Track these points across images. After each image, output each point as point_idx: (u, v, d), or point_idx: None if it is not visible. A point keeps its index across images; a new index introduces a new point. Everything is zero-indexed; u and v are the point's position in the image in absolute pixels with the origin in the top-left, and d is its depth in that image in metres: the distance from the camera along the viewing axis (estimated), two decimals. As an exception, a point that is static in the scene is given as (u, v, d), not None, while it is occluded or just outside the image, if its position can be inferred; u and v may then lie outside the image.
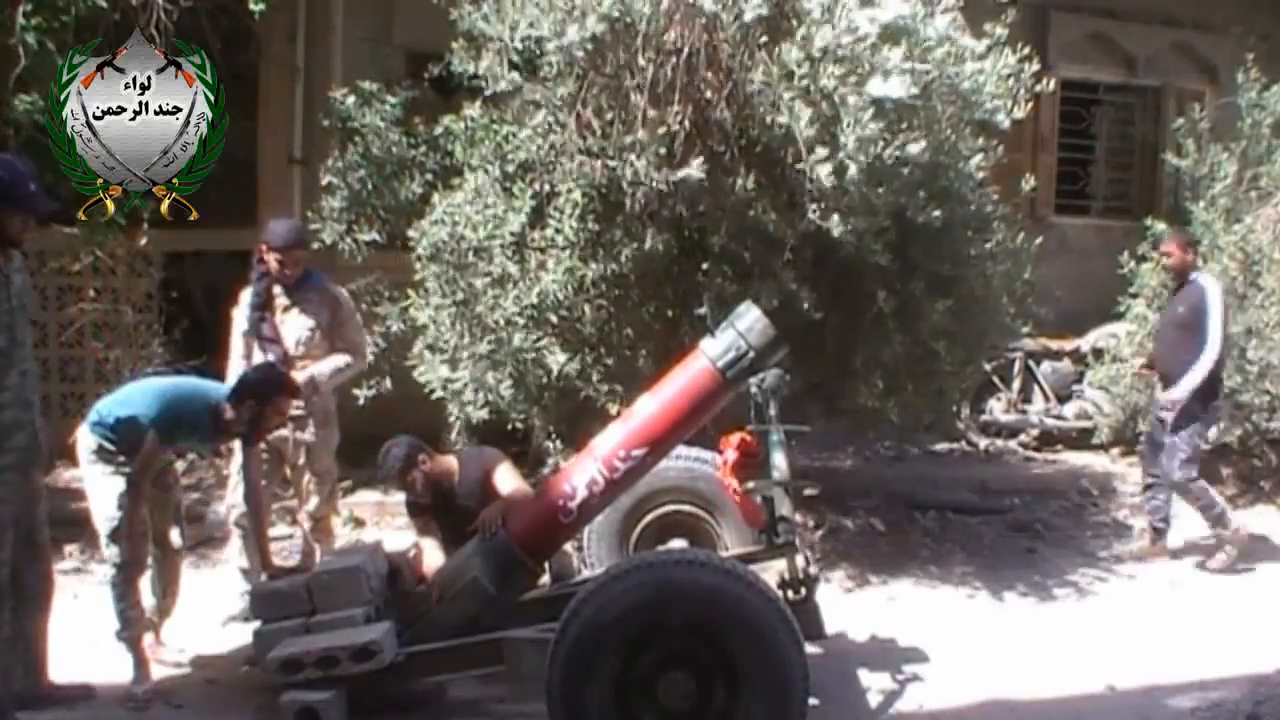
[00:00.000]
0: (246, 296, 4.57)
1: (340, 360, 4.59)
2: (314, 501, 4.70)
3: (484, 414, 4.75)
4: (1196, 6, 8.76)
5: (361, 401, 4.90)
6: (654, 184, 4.32)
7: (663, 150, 4.30)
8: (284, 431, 4.48)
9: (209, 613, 4.53)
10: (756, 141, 4.51)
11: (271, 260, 4.48)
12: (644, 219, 4.52)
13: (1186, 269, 5.53)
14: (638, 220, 4.53)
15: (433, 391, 4.92)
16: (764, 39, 4.42)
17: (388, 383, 5.27)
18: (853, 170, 4.24)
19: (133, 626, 3.90)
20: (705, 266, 4.68)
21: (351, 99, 5.02)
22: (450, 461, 4.24)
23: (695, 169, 4.27)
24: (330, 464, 4.75)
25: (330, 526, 4.87)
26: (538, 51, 4.56)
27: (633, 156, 4.29)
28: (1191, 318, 5.38)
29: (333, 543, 4.88)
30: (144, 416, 3.85)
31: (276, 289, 4.55)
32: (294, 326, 4.55)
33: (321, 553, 4.69)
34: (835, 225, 4.33)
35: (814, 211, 4.35)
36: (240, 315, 4.59)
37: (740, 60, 4.40)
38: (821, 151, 4.21)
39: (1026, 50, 4.81)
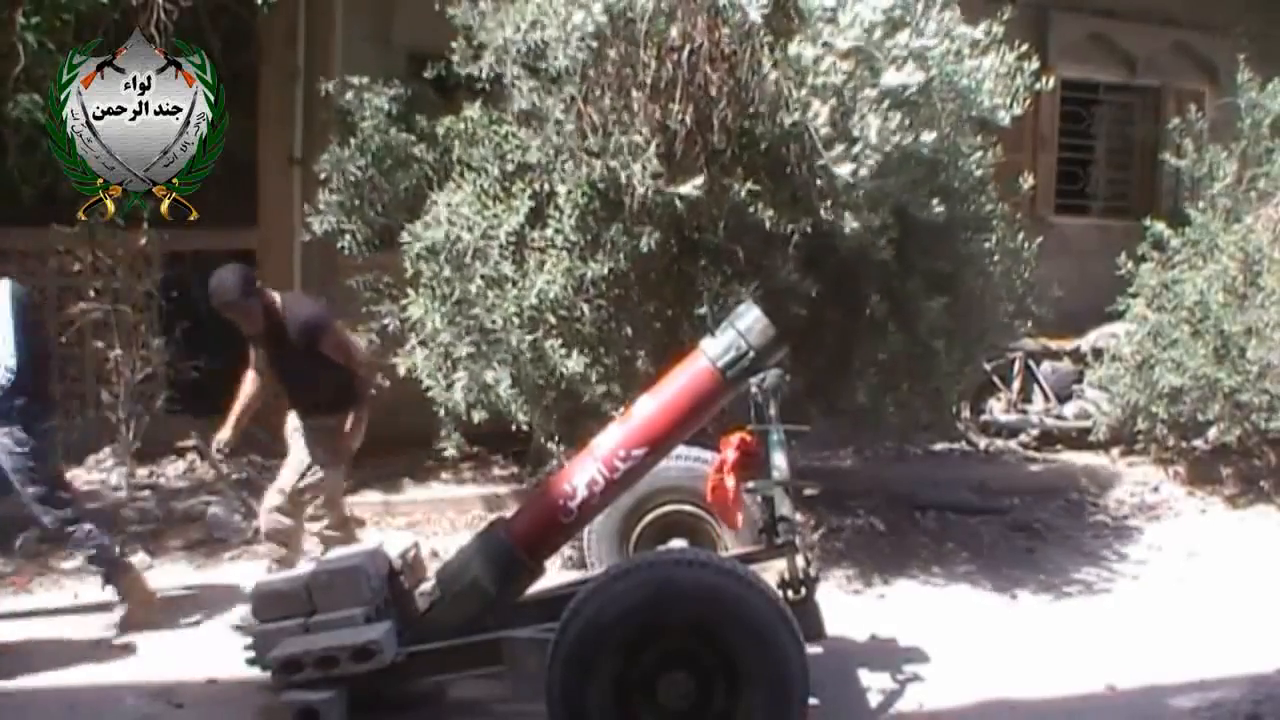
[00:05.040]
0: None
1: None
2: None
3: (484, 414, 4.73)
4: (1196, 6, 8.77)
5: None
6: (650, 193, 4.31)
7: (657, 156, 4.28)
8: None
9: (209, 614, 4.55)
10: (760, 140, 4.50)
11: None
12: (642, 218, 4.51)
13: None
14: (636, 220, 4.52)
15: (429, 389, 4.88)
16: (768, 38, 4.41)
17: (386, 382, 5.23)
18: (871, 164, 4.22)
19: None
20: (703, 264, 4.67)
21: (350, 92, 5.00)
22: (274, 296, 4.35)
23: (693, 186, 4.25)
24: None
25: None
26: (540, 50, 4.55)
27: (630, 159, 4.28)
28: None
29: None
30: None
31: None
32: None
33: None
34: (849, 222, 4.33)
35: (825, 210, 4.34)
36: None
37: (745, 59, 4.39)
38: (840, 149, 4.20)
39: (1025, 49, 4.81)
